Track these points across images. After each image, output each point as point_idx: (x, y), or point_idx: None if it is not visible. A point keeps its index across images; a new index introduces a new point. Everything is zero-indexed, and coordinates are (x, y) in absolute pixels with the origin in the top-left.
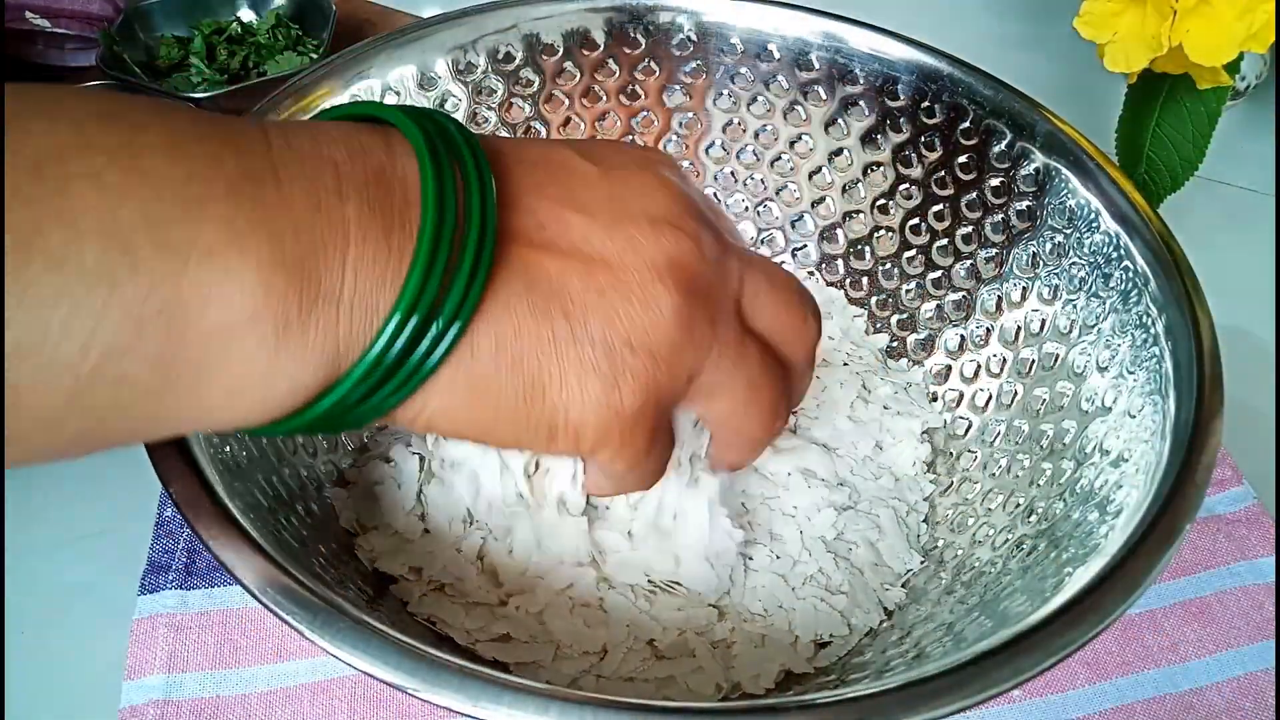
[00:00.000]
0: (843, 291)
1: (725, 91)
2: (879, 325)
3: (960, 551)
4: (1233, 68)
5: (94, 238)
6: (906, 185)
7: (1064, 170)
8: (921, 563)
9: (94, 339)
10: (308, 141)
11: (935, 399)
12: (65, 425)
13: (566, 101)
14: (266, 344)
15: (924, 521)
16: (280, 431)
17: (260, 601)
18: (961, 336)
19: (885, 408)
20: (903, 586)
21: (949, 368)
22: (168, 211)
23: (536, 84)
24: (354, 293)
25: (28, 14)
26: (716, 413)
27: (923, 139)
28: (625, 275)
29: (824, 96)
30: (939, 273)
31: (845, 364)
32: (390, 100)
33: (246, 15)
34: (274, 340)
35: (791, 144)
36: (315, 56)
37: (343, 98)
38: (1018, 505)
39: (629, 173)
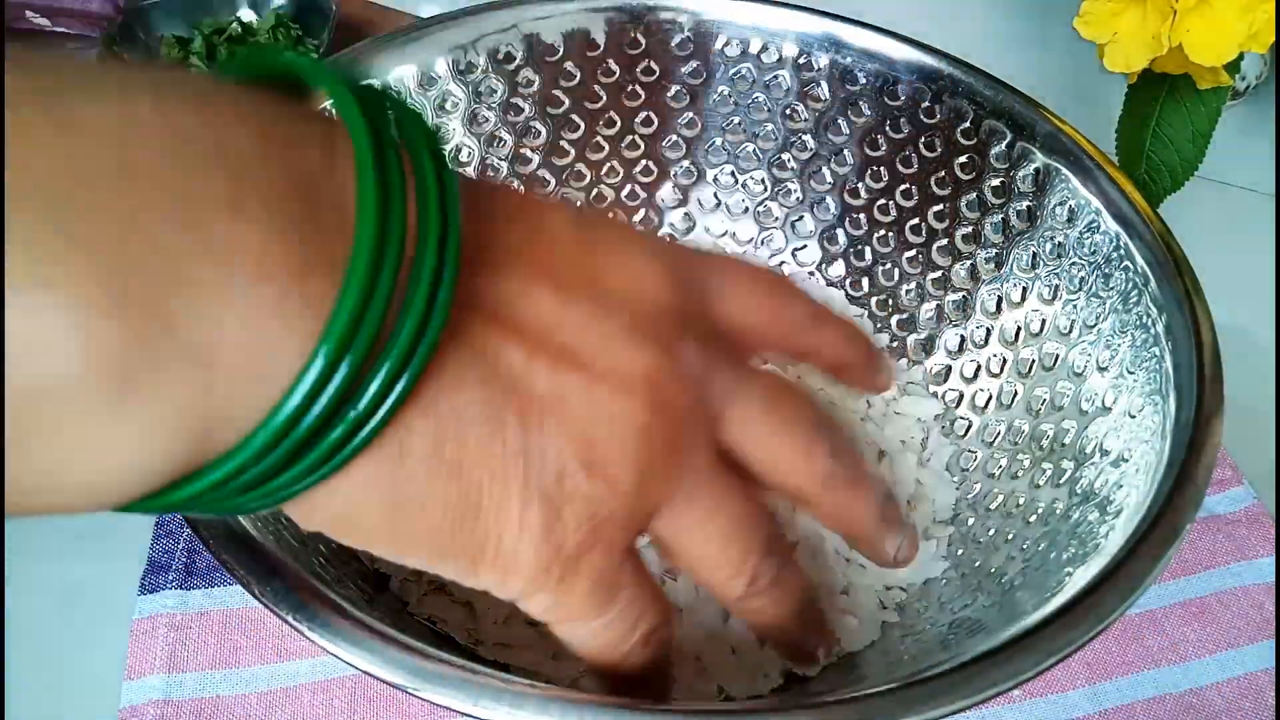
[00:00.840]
0: (843, 291)
1: (725, 91)
2: (879, 325)
3: (960, 551)
4: (1233, 68)
5: None
6: (906, 185)
7: (1064, 170)
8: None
9: None
10: (195, 119)
11: (936, 398)
12: None
13: (567, 102)
14: (93, 411)
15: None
16: (139, 511)
17: (260, 600)
18: (961, 336)
19: (887, 404)
20: (903, 589)
21: (949, 368)
22: None
23: (537, 84)
24: (239, 351)
25: (28, 13)
26: (687, 555)
27: (922, 139)
28: (597, 385)
29: (824, 96)
30: (939, 273)
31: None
32: None
33: (247, 15)
34: (104, 406)
35: (791, 144)
36: (315, 57)
37: None
38: (1018, 505)
39: (620, 254)
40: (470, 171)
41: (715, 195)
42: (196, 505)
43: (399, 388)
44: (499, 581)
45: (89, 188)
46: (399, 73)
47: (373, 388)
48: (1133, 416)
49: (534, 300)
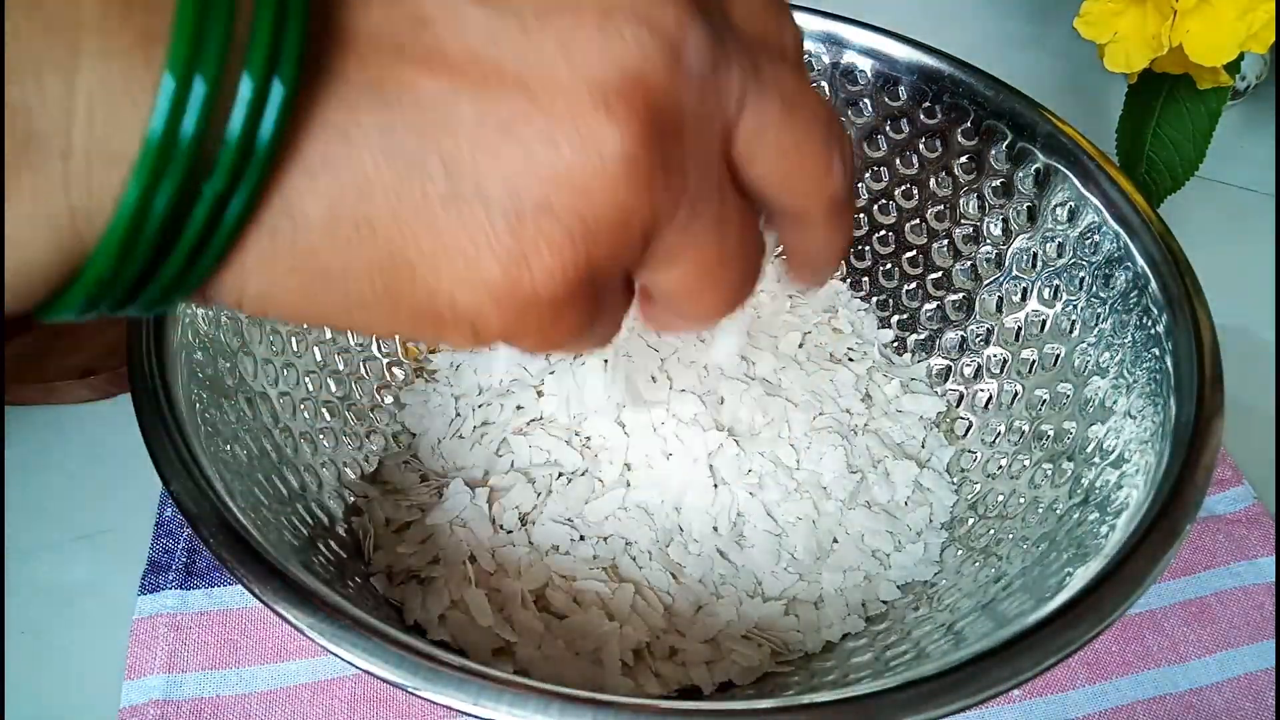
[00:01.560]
0: (845, 291)
1: None
2: (880, 325)
3: (960, 551)
4: (1233, 68)
5: None
6: (907, 185)
7: (1064, 171)
8: (922, 559)
9: None
10: None
11: (936, 398)
12: None
13: None
14: None
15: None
16: (54, 315)
17: (260, 600)
18: (962, 337)
19: (889, 403)
20: (900, 588)
21: (949, 368)
22: None
23: None
24: (90, 136)
25: None
26: (666, 285)
27: (923, 139)
28: (549, 100)
29: (824, 96)
30: (939, 273)
31: (851, 359)
32: None
33: None
34: None
35: None
36: None
37: None
38: (1018, 505)
39: None
40: None
41: None
42: (102, 304)
43: (259, 149)
44: (468, 339)
45: None
46: None
47: (224, 151)
48: (1133, 417)
49: (456, 18)
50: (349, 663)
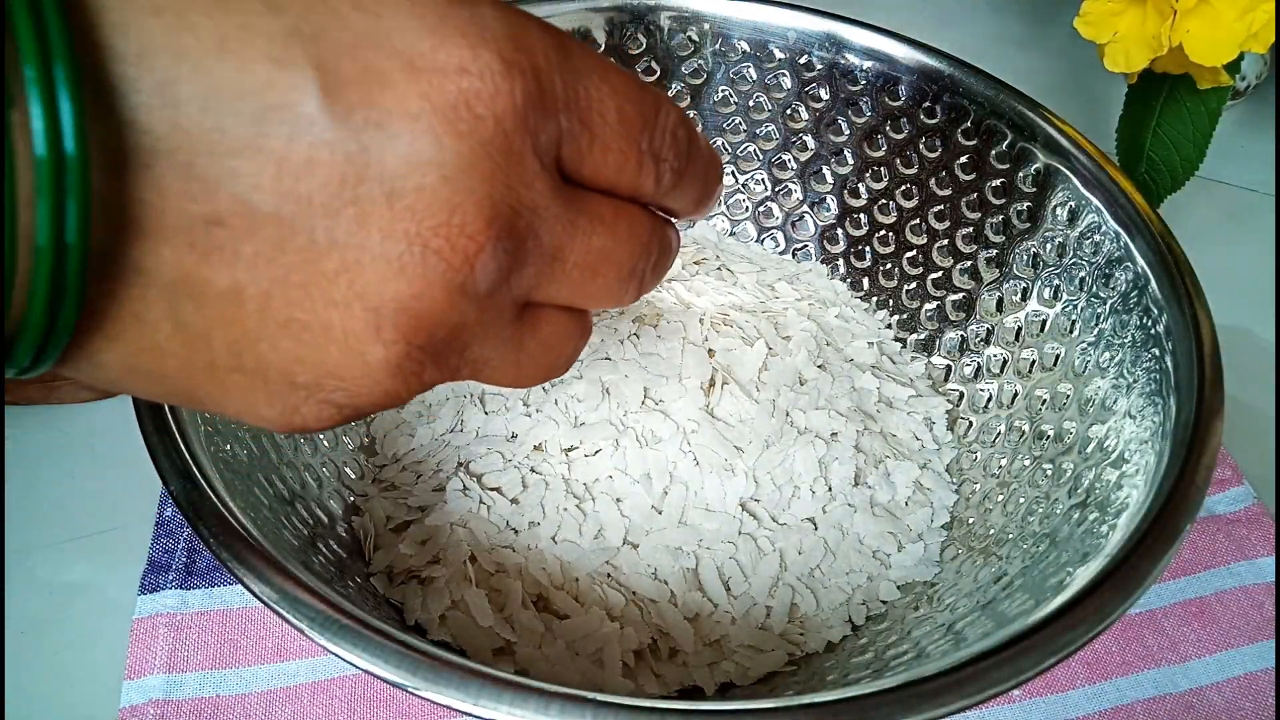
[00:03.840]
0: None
1: (725, 92)
2: (881, 325)
3: (960, 551)
4: (1233, 68)
5: None
6: (907, 185)
7: (1064, 170)
8: (922, 559)
9: None
10: None
11: (936, 398)
12: None
13: None
14: None
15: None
16: None
17: (260, 599)
18: (962, 337)
19: (890, 404)
20: (900, 588)
21: (949, 368)
22: None
23: None
24: None
25: None
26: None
27: (923, 139)
28: (326, 312)
29: (824, 97)
30: (939, 273)
31: (851, 359)
32: None
33: None
34: None
35: (791, 144)
36: None
37: None
38: (1019, 504)
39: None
40: None
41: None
42: None
43: (52, 345)
44: (378, 404)
45: None
46: None
47: (29, 335)
48: (1133, 417)
49: (249, 223)
50: (349, 662)
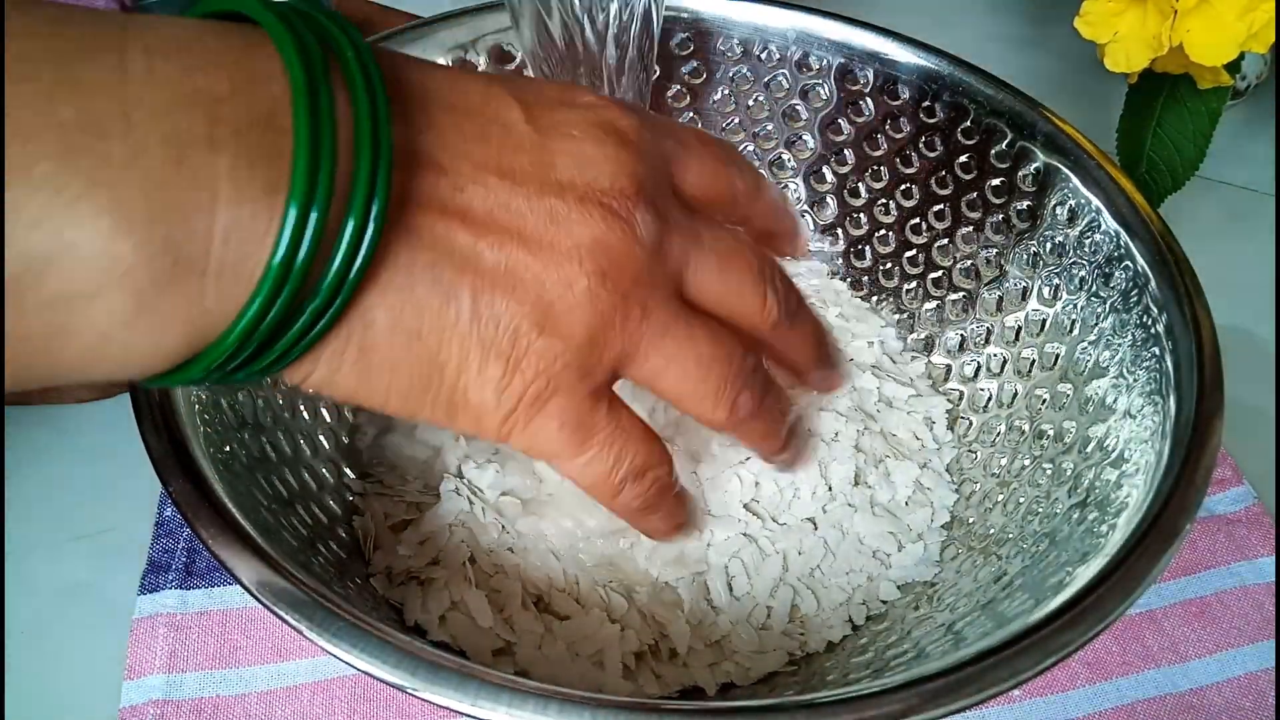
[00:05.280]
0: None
1: (724, 91)
2: (881, 325)
3: (960, 551)
4: (1233, 67)
5: None
6: (907, 185)
7: (1064, 170)
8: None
9: None
10: (176, 70)
11: (936, 397)
12: None
13: None
14: (117, 315)
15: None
16: (155, 384)
17: (259, 600)
18: (962, 336)
19: (890, 404)
20: (900, 588)
21: (949, 368)
22: None
23: None
24: (223, 261)
25: None
26: (669, 393)
27: (923, 139)
28: (541, 252)
29: (824, 96)
30: (939, 272)
31: (851, 359)
32: None
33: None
34: (126, 312)
35: (791, 144)
36: None
37: None
38: (1019, 504)
39: (570, 137)
40: None
41: None
42: (199, 380)
43: (349, 283)
44: (474, 425)
45: (99, 138)
46: None
47: (325, 283)
48: (1133, 416)
49: (481, 190)
50: (347, 663)
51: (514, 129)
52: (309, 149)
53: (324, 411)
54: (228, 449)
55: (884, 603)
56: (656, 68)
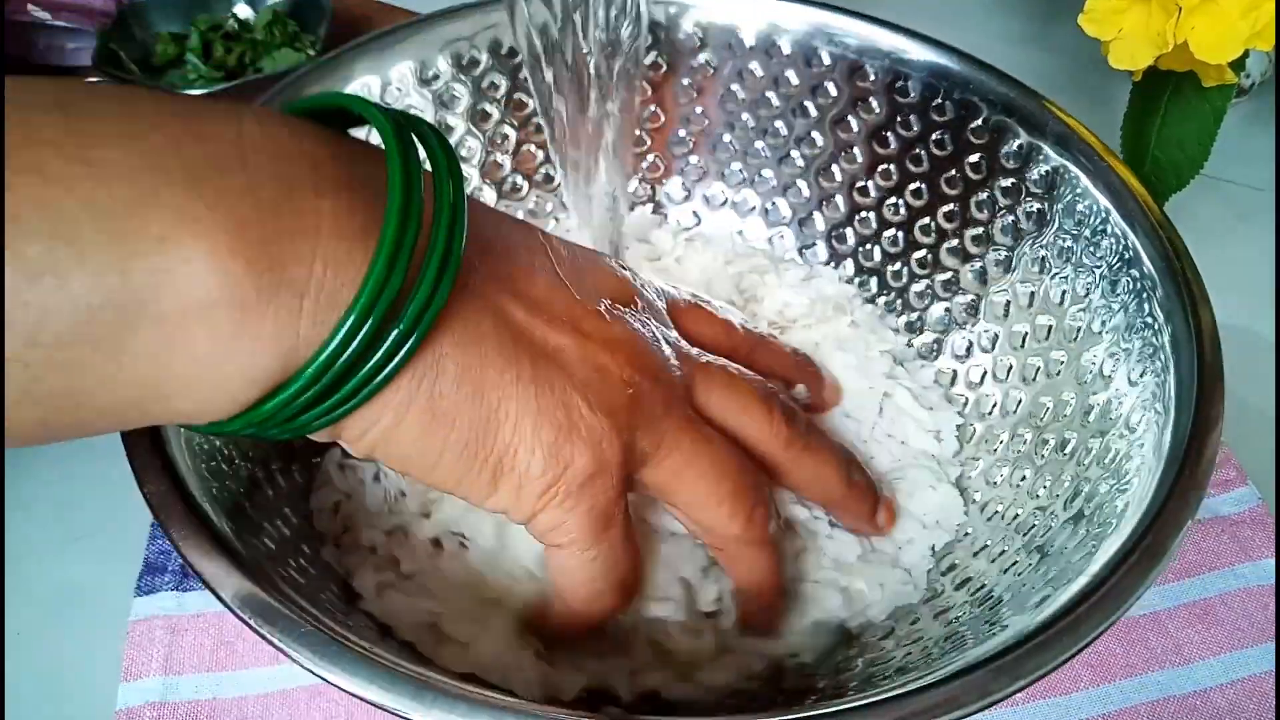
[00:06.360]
0: (852, 289)
1: (733, 87)
2: (891, 329)
3: (961, 555)
4: (1238, 65)
5: (37, 232)
6: (916, 184)
7: (1074, 170)
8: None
9: (41, 330)
10: (285, 134)
11: (943, 402)
12: (23, 413)
13: None
14: (223, 329)
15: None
16: (234, 428)
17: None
18: (969, 341)
19: (900, 408)
20: (897, 590)
21: (955, 372)
22: (115, 202)
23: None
24: (321, 286)
25: (29, 6)
26: (683, 496)
27: (933, 137)
28: (587, 341)
29: (833, 93)
30: (948, 274)
31: (853, 366)
32: (392, 96)
33: (243, 12)
34: (231, 325)
35: (800, 141)
36: (312, 53)
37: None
38: (1021, 508)
39: (594, 264)
40: (474, 166)
41: (723, 192)
42: (272, 422)
43: (427, 316)
44: (514, 495)
45: (220, 173)
46: (399, 69)
47: (407, 313)
48: (1136, 420)
49: (532, 280)
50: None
51: (550, 246)
52: (401, 201)
53: None
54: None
55: (879, 609)
56: (663, 61)
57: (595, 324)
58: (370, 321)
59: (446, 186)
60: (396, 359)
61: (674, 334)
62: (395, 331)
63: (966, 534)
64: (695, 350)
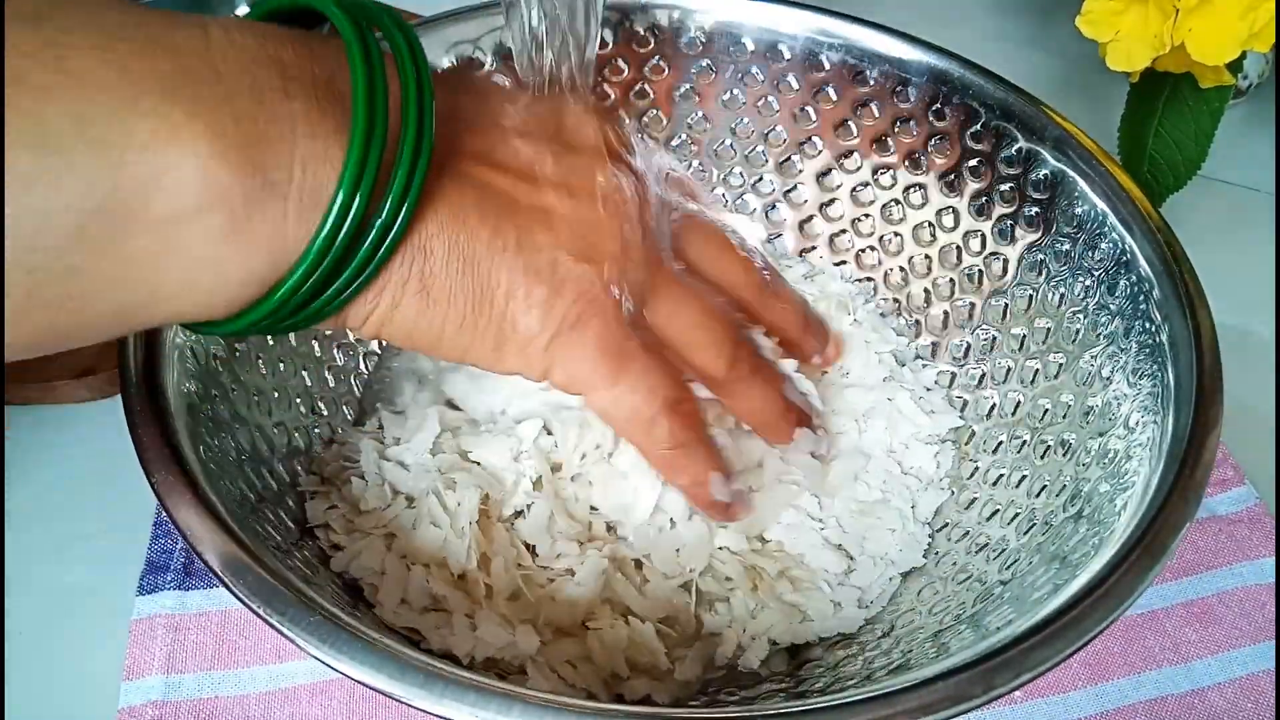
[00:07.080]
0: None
1: (735, 91)
2: (893, 332)
3: (958, 559)
4: (1235, 67)
5: (23, 142)
6: (915, 189)
7: (1072, 175)
8: (921, 563)
9: (38, 238)
10: (252, 41)
11: (943, 404)
12: (33, 316)
13: None
14: (214, 233)
15: (926, 524)
16: (240, 327)
17: (236, 596)
18: (967, 344)
19: (900, 411)
20: (900, 578)
21: (954, 375)
22: (97, 110)
23: None
24: (303, 187)
25: None
26: (679, 339)
27: (932, 142)
28: (569, 196)
29: (834, 98)
30: (948, 278)
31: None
32: None
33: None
34: (222, 230)
35: (801, 145)
36: None
37: None
38: (1019, 509)
39: (572, 118)
40: None
41: (724, 195)
42: (274, 318)
43: (411, 194)
44: (521, 355)
45: (194, 83)
46: None
47: (391, 194)
48: (1134, 420)
49: (510, 147)
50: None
51: (519, 101)
52: (366, 91)
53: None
54: (208, 408)
55: (880, 606)
56: (664, 64)
57: (580, 178)
58: (352, 214)
59: (410, 71)
60: (384, 247)
61: (652, 185)
62: (378, 221)
63: (967, 534)
64: (674, 197)
